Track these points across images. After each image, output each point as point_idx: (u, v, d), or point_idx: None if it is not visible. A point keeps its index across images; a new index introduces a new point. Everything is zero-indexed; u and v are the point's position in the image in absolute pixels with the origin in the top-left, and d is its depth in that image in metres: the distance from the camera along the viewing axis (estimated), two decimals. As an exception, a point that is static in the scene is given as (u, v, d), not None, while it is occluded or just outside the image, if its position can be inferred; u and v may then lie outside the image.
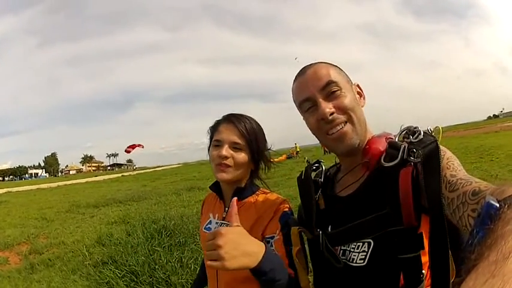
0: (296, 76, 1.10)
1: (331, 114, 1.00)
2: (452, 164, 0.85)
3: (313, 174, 1.20)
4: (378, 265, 0.93)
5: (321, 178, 1.18)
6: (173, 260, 4.54)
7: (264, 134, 1.46)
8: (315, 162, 1.23)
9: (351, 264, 0.98)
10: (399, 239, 0.87)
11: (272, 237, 1.25)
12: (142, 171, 75.95)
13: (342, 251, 1.02)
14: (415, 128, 0.93)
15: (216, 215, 1.46)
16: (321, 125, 1.03)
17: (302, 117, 1.12)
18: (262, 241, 1.18)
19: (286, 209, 1.30)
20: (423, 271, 0.86)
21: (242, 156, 1.36)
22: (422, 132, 0.91)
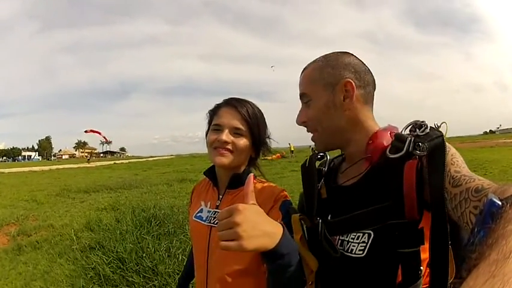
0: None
1: (303, 122, 1.09)
2: (457, 161, 0.84)
3: (317, 164, 1.18)
4: (376, 257, 0.91)
5: (324, 167, 1.17)
6: (161, 249, 4.50)
7: (265, 120, 1.39)
8: (319, 151, 1.20)
9: (350, 255, 0.96)
10: (400, 232, 0.86)
11: None
12: (134, 160, 75.61)
13: (340, 241, 1.01)
14: (422, 121, 0.92)
15: (209, 203, 1.38)
16: None
17: None
18: None
19: (286, 198, 1.26)
20: (421, 268, 0.85)
21: (243, 142, 1.30)
22: (428, 126, 0.90)
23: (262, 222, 0.90)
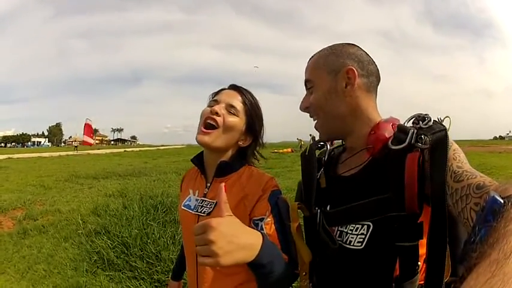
0: None
1: (306, 108, 1.12)
2: (459, 156, 0.84)
3: (317, 153, 1.19)
4: (375, 250, 0.92)
5: (324, 157, 1.18)
6: (166, 236, 4.56)
7: (262, 115, 1.39)
8: (321, 140, 1.21)
9: (348, 246, 0.98)
10: (399, 225, 0.87)
11: (261, 219, 1.17)
12: (145, 148, 76.43)
13: (338, 232, 1.02)
14: (425, 114, 0.93)
15: (197, 191, 1.37)
16: None
17: None
18: (249, 223, 1.18)
19: (275, 188, 1.24)
20: (419, 263, 0.86)
21: (234, 121, 1.28)
22: (432, 120, 0.91)
23: (239, 235, 0.88)
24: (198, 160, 1.40)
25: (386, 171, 0.91)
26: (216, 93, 1.37)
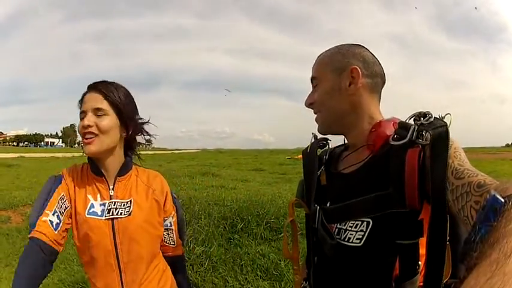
0: None
1: (310, 104, 1.16)
2: (459, 155, 0.87)
3: (319, 152, 1.24)
4: (374, 248, 0.94)
5: (326, 155, 1.22)
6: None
7: (133, 99, 1.44)
8: (322, 139, 1.25)
9: (346, 243, 0.99)
10: (399, 222, 0.89)
11: (169, 218, 1.50)
12: (160, 152, 76.95)
13: (337, 230, 1.04)
14: (427, 111, 0.94)
15: (98, 196, 1.34)
16: None
17: None
18: (163, 224, 1.48)
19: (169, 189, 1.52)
20: (419, 262, 0.88)
21: (107, 122, 1.30)
22: (433, 116, 0.92)
23: None
24: (93, 165, 1.37)
25: (387, 167, 0.93)
26: (81, 102, 1.35)
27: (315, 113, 1.16)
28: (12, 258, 4.71)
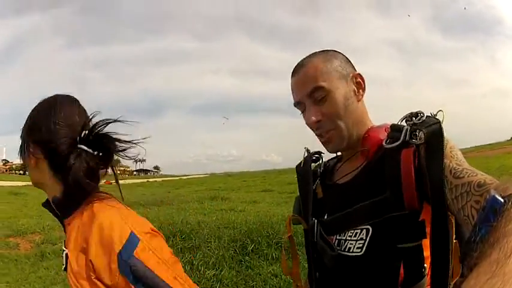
0: (291, 73, 1.12)
1: (318, 121, 1.04)
2: (456, 154, 0.86)
3: (313, 166, 1.23)
4: (376, 255, 0.92)
5: (320, 169, 1.21)
6: (184, 261, 4.69)
7: (50, 112, 1.03)
8: (315, 153, 1.23)
9: (347, 254, 0.97)
10: (400, 225, 0.86)
11: None
12: (168, 178, 77.12)
13: (337, 241, 1.01)
14: (418, 111, 0.94)
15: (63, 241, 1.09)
16: (311, 128, 1.09)
17: None
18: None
19: (122, 247, 0.90)
20: (425, 265, 0.85)
21: (28, 157, 1.06)
22: (425, 115, 0.92)
23: None
24: (48, 205, 1.11)
25: (383, 172, 0.92)
26: None
27: (324, 132, 1.06)
28: (22, 283, 4.72)
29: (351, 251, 0.96)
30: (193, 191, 22.77)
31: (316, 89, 1.02)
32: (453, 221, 0.79)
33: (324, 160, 1.23)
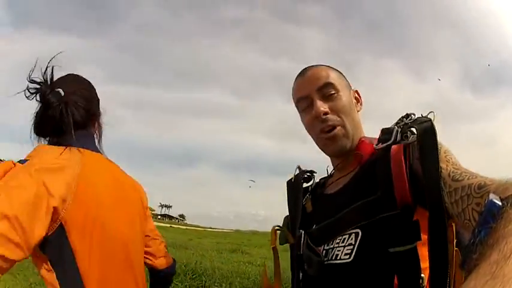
0: (296, 76, 1.15)
1: (325, 114, 1.04)
2: (451, 158, 0.84)
3: (304, 185, 1.20)
4: (366, 261, 0.85)
5: (312, 186, 1.20)
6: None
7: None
8: (307, 171, 1.22)
9: (334, 262, 0.91)
10: (392, 226, 0.82)
11: None
12: (192, 228, 77.13)
13: (325, 252, 0.96)
14: (410, 112, 0.96)
15: None
16: (314, 124, 1.07)
17: (299, 117, 1.18)
18: None
19: None
20: (423, 275, 0.78)
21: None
22: (416, 115, 0.93)
23: None
24: None
25: (374, 175, 0.90)
26: None
27: (330, 125, 1.05)
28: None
29: (338, 258, 0.90)
30: (214, 242, 22.55)
31: (328, 85, 1.05)
32: (454, 228, 0.75)
33: (315, 180, 1.21)
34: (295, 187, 1.16)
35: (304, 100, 1.09)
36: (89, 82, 1.28)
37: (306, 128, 1.14)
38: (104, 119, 1.30)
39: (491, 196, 0.55)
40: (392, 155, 0.85)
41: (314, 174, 1.21)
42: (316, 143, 1.12)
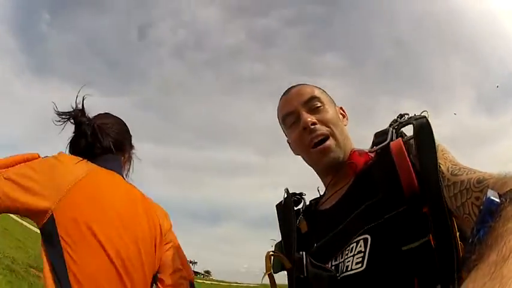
0: (281, 96, 1.18)
1: (313, 124, 1.04)
2: (448, 156, 0.84)
3: (295, 208, 1.17)
4: (380, 267, 0.82)
5: (303, 207, 1.18)
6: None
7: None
8: (298, 194, 1.20)
9: (346, 274, 0.86)
10: (401, 223, 0.80)
11: None
12: (217, 283, 76.05)
13: (334, 268, 0.91)
14: (404, 113, 0.97)
15: None
16: (303, 137, 1.06)
17: (286, 137, 1.20)
18: None
19: None
20: None
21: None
22: (410, 115, 0.95)
23: None
24: None
25: (372, 180, 0.90)
26: None
27: (321, 134, 1.04)
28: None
29: (349, 269, 0.86)
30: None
31: (313, 98, 1.09)
32: (455, 222, 0.75)
33: (306, 202, 1.19)
34: (287, 209, 1.13)
35: (290, 115, 1.10)
36: (120, 119, 1.46)
37: (293, 146, 1.15)
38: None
39: (490, 193, 0.55)
40: (393, 148, 0.86)
41: (304, 196, 1.19)
42: (307, 159, 1.11)
